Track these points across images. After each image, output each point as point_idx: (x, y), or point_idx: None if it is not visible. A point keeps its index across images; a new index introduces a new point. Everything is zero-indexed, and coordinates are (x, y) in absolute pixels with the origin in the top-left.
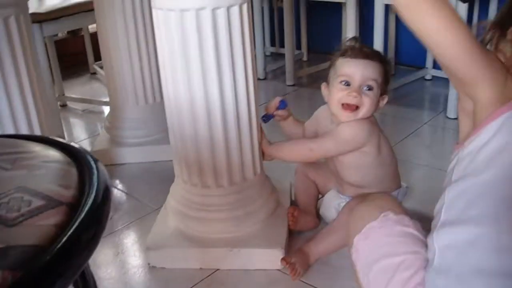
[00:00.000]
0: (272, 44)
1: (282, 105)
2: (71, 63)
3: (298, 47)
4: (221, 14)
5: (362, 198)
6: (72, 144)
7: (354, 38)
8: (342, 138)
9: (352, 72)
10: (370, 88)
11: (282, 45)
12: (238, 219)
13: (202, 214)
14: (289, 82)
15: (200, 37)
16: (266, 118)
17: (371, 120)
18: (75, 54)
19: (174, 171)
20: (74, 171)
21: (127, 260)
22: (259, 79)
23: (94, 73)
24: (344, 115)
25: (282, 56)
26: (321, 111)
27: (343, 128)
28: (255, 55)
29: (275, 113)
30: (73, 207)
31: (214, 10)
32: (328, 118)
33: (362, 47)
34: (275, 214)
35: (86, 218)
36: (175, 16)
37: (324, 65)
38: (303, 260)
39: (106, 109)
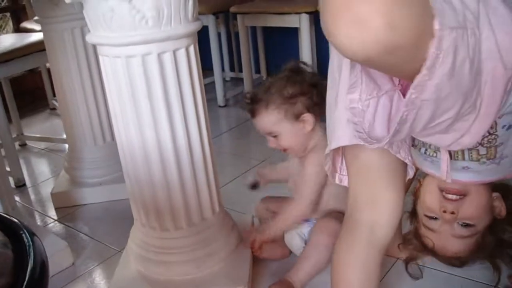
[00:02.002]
0: (232, 69)
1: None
2: (30, 100)
3: (258, 70)
4: (167, 58)
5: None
6: (11, 219)
7: (245, 95)
8: (313, 181)
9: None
10: (274, 136)
11: (241, 70)
12: (199, 260)
13: (163, 257)
14: None
15: (148, 82)
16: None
17: (323, 145)
18: (33, 90)
19: (133, 215)
20: (9, 254)
21: None
22: (219, 106)
23: (54, 109)
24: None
25: (242, 80)
26: None
27: (306, 171)
28: (214, 82)
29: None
30: None
31: (160, 55)
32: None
33: (248, 105)
34: (237, 250)
35: None
36: (121, 63)
37: None
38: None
39: (67, 147)
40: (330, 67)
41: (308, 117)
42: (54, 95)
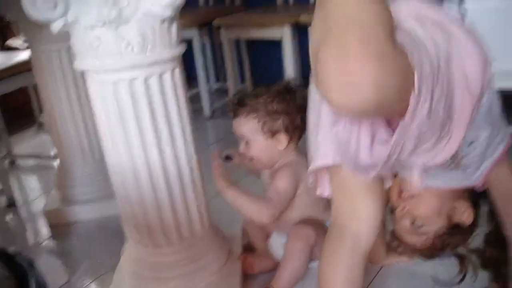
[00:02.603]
0: (217, 79)
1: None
2: (18, 116)
3: (243, 80)
4: (153, 82)
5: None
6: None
7: (235, 93)
8: (282, 198)
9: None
10: (246, 142)
11: (226, 80)
12: (191, 274)
13: (156, 273)
14: None
15: (135, 106)
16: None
17: (296, 161)
18: (20, 106)
19: (125, 232)
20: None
21: None
22: (205, 118)
23: (42, 124)
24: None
25: (227, 91)
26: None
27: (276, 186)
28: (200, 93)
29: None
30: None
31: (146, 79)
32: None
33: (233, 104)
34: (227, 264)
35: None
36: (109, 88)
37: None
38: None
39: (56, 163)
40: (310, 87)
41: (282, 138)
42: (41, 111)
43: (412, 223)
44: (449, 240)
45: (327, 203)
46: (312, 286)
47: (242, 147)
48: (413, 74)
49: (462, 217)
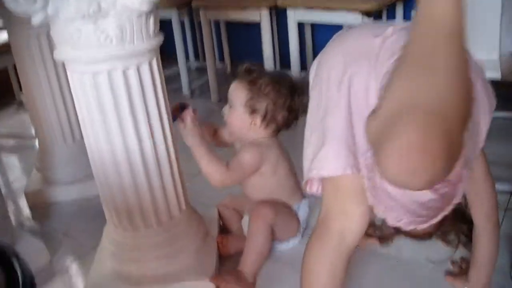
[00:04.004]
0: (197, 57)
1: (182, 107)
2: None
3: (222, 58)
4: (132, 73)
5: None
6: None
7: (249, 63)
8: (242, 166)
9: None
10: (230, 105)
11: (205, 59)
12: (170, 256)
13: (135, 255)
14: (214, 99)
15: (114, 95)
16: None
17: (267, 143)
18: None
19: (105, 215)
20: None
21: None
22: (184, 97)
23: (21, 103)
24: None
25: (206, 69)
26: None
27: (241, 156)
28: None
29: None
30: None
31: (125, 70)
32: None
33: (243, 69)
34: (204, 245)
35: None
36: (88, 78)
37: None
38: (236, 278)
39: (37, 144)
40: (310, 89)
41: (257, 120)
42: (21, 89)
43: None
44: (449, 226)
45: (295, 188)
46: (276, 270)
47: (225, 108)
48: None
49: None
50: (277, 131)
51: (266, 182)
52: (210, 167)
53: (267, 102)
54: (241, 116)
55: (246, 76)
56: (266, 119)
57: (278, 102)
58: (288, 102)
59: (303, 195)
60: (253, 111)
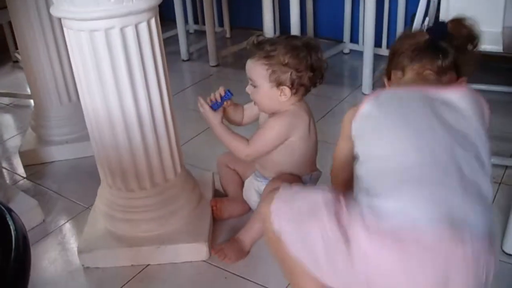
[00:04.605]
0: (196, 21)
1: (227, 96)
2: None
3: (221, 23)
4: (129, 31)
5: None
6: None
7: (255, 36)
8: (269, 137)
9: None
10: (253, 85)
11: (205, 22)
12: (163, 218)
13: (129, 216)
14: (212, 62)
15: (111, 54)
16: (216, 105)
17: (295, 112)
18: None
19: (100, 176)
20: None
21: (62, 263)
22: (182, 60)
23: (17, 61)
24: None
25: (205, 33)
26: None
27: (269, 125)
28: (177, 35)
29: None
30: None
31: (122, 28)
32: None
33: (252, 44)
34: (198, 208)
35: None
36: (85, 36)
37: None
38: (235, 247)
39: (32, 103)
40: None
41: (286, 91)
42: (16, 48)
43: None
44: None
45: (313, 159)
46: None
47: (248, 88)
48: None
49: None
50: (306, 92)
51: (293, 150)
52: (233, 144)
53: (289, 70)
54: (269, 92)
55: (259, 51)
56: (294, 86)
57: (300, 66)
58: (310, 62)
59: (315, 168)
60: (279, 84)
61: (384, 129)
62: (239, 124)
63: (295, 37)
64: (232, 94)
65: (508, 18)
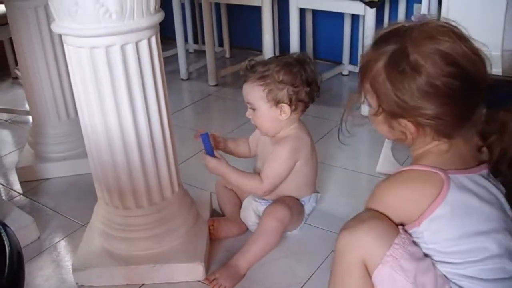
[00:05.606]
0: (195, 41)
1: (203, 136)
2: None
3: (221, 43)
4: (130, 49)
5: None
6: None
7: (247, 61)
8: (280, 167)
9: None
10: (252, 108)
11: (204, 42)
12: (159, 237)
13: (125, 234)
14: (211, 82)
15: (111, 72)
16: (207, 150)
17: (297, 135)
18: None
19: (96, 193)
20: None
21: (56, 281)
22: (181, 79)
23: (16, 78)
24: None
25: (205, 53)
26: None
27: (275, 156)
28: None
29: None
30: None
31: (123, 46)
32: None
33: (245, 69)
34: (195, 227)
35: None
36: (85, 53)
37: None
38: (230, 273)
39: (31, 119)
40: None
41: (285, 108)
42: (17, 64)
43: None
44: None
45: (313, 180)
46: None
47: (248, 113)
48: None
49: None
50: (305, 108)
51: (296, 172)
52: (248, 186)
53: (286, 87)
54: (268, 112)
55: (253, 74)
56: (293, 102)
57: (295, 82)
58: (305, 77)
59: (314, 189)
60: (277, 102)
61: None
62: (248, 156)
63: (285, 54)
64: (207, 133)
65: (507, 41)
